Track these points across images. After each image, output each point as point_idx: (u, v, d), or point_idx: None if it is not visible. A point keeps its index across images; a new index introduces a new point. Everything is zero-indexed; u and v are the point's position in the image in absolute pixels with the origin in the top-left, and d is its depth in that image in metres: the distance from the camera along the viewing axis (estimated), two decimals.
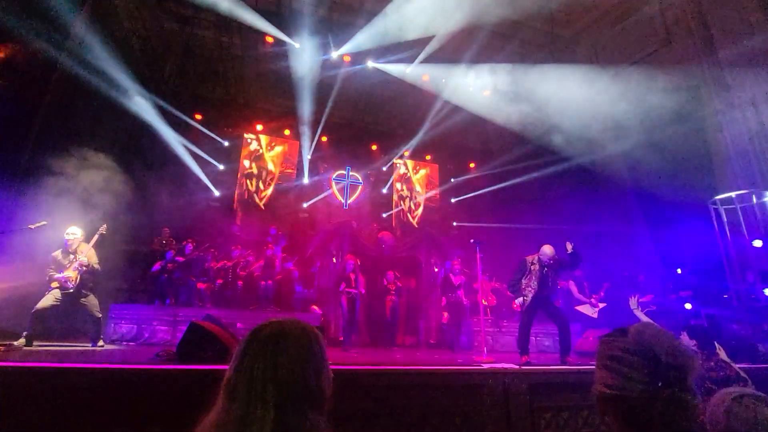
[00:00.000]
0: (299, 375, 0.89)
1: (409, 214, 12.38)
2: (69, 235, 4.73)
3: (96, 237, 5.05)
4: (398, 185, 12.47)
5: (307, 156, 11.28)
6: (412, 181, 12.74)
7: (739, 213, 6.39)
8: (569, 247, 5.00)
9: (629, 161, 8.29)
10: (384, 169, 12.17)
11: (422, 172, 12.94)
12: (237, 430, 0.82)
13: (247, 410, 0.83)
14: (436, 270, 8.71)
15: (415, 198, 12.58)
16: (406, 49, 9.19)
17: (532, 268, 5.03)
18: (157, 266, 7.05)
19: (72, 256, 4.74)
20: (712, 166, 7.07)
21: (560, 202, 9.25)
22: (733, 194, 6.47)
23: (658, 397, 0.86)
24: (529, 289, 4.97)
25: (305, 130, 10.81)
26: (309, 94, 9.93)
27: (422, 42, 9.02)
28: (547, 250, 5.03)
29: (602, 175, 8.67)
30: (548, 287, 5.00)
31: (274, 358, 0.89)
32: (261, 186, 11.21)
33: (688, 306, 6.72)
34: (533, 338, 7.31)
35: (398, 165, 12.51)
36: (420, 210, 12.49)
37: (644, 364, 0.89)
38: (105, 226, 5.20)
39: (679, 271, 7.35)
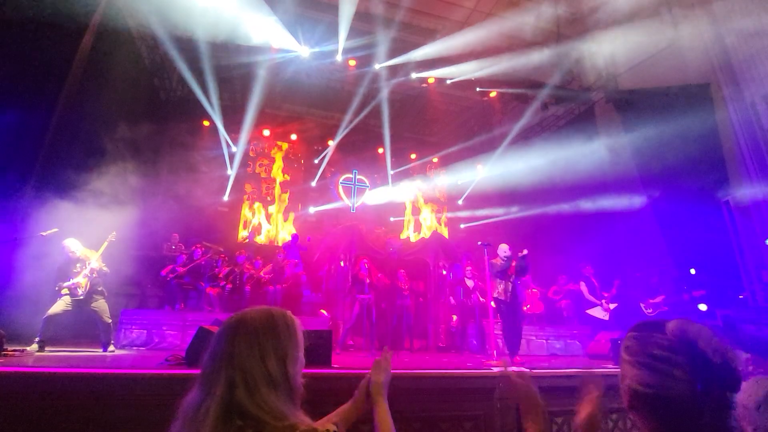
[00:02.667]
0: (255, 357, 0.95)
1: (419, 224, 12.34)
2: (68, 248, 4.78)
3: (105, 244, 5.10)
4: (405, 189, 12.45)
5: (314, 160, 11.33)
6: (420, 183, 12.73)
7: (754, 211, 6.25)
8: (523, 252, 5.40)
9: (640, 159, 8.17)
10: (392, 172, 12.16)
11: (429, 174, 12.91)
12: (196, 406, 0.92)
13: (207, 389, 0.93)
14: (444, 273, 8.65)
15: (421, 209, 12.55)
16: (406, 51, 9.20)
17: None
18: (165, 270, 7.10)
19: (78, 264, 4.80)
20: (725, 163, 6.94)
21: (570, 200, 9.15)
22: (746, 192, 6.34)
23: (709, 398, 0.82)
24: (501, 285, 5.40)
25: (312, 135, 10.86)
26: (316, 100, 9.99)
27: (424, 40, 9.02)
28: (502, 247, 5.50)
29: (613, 174, 8.56)
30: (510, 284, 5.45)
31: (232, 341, 0.97)
32: (268, 190, 11.27)
33: (702, 307, 6.59)
34: (543, 341, 7.23)
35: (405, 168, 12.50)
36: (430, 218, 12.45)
37: (690, 363, 0.85)
38: (114, 233, 5.24)
39: (693, 271, 7.21)
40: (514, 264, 5.46)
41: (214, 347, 0.99)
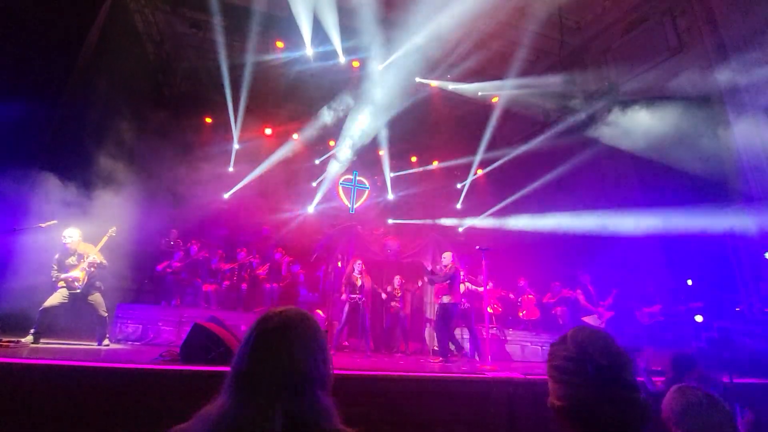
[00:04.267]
0: (308, 361, 0.92)
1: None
2: (66, 239, 4.76)
3: (105, 239, 5.10)
4: (406, 191, 12.45)
5: (315, 161, 11.34)
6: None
7: (752, 223, 6.27)
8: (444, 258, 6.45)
9: (639, 170, 8.20)
10: (391, 175, 12.15)
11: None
12: (245, 419, 0.83)
13: (256, 399, 0.85)
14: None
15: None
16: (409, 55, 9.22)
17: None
18: (161, 266, 7.10)
19: (75, 257, 4.79)
20: (725, 174, 6.96)
21: (570, 206, 9.16)
22: (745, 204, 6.36)
23: (604, 399, 0.85)
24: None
25: (313, 134, 10.87)
26: (317, 99, 10.01)
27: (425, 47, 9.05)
28: (445, 256, 6.43)
29: (613, 182, 8.59)
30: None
31: (282, 350, 0.92)
32: (268, 188, 11.28)
33: (699, 318, 6.59)
34: (539, 348, 7.23)
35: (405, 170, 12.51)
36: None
37: (582, 368, 0.88)
38: (114, 228, 5.25)
39: (690, 282, 7.22)
40: (458, 271, 6.13)
41: (257, 354, 0.91)
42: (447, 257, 6.42)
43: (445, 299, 6.08)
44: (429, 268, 6.76)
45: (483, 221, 11.19)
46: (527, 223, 9.90)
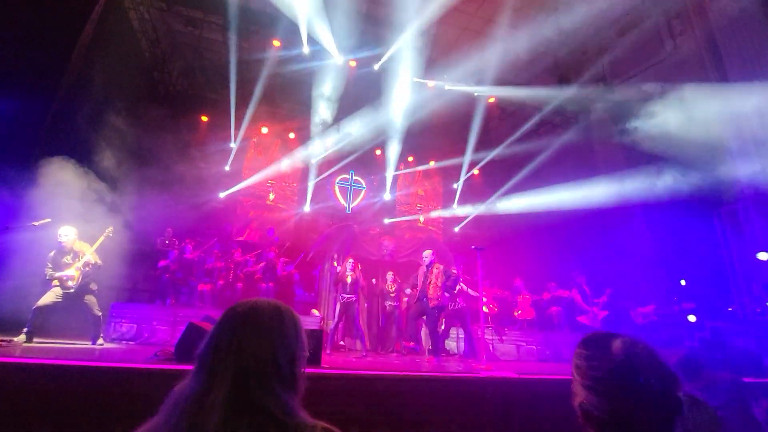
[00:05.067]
0: (267, 351, 0.91)
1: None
2: (63, 237, 4.71)
3: (102, 239, 5.05)
4: (402, 191, 12.46)
5: (312, 161, 11.31)
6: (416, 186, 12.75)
7: (745, 224, 6.33)
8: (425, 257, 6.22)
9: (633, 169, 8.26)
10: (387, 174, 12.16)
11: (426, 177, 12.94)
12: (197, 397, 0.85)
13: (211, 380, 0.86)
14: None
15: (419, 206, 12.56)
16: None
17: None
18: (162, 263, 7.07)
19: (70, 256, 4.75)
20: (718, 176, 7.02)
21: (563, 211, 9.21)
22: (738, 205, 6.42)
23: (654, 417, 0.82)
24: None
25: (310, 134, 10.86)
26: (315, 98, 10.00)
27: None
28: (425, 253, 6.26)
29: (606, 184, 8.64)
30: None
31: (242, 332, 0.92)
32: (264, 187, 11.25)
33: (692, 318, 6.65)
34: (533, 347, 7.26)
35: (402, 170, 12.51)
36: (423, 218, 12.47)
37: (632, 387, 0.85)
38: (111, 228, 5.20)
39: (683, 282, 7.28)
40: (437, 271, 5.94)
41: (220, 335, 0.92)
42: (428, 254, 6.22)
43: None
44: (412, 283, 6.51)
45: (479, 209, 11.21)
46: (523, 205, 9.97)
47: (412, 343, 6.74)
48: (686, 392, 1.32)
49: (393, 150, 11.78)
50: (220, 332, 0.93)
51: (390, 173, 11.98)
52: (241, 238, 9.47)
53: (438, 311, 6.01)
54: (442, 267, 6.16)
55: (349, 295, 6.52)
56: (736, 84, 6.77)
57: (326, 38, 8.95)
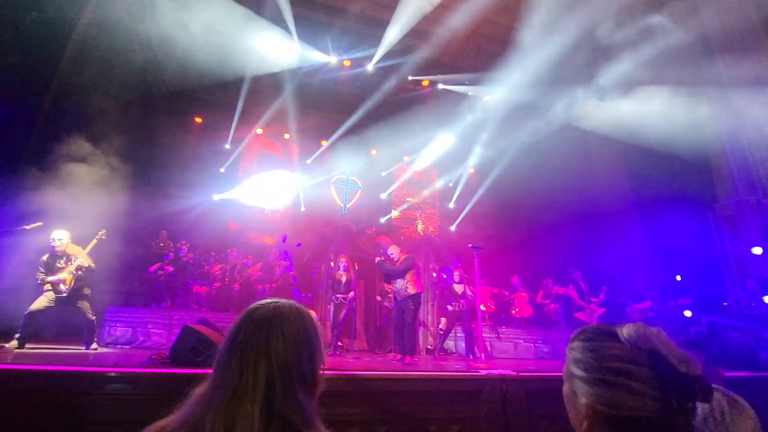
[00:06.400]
0: (293, 355, 0.88)
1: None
2: (56, 241, 4.65)
3: (94, 241, 4.99)
4: (398, 190, 12.44)
5: (306, 160, 11.28)
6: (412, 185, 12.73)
7: (739, 220, 6.38)
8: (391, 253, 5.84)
9: (629, 167, 8.31)
10: (383, 174, 12.14)
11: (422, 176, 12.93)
12: (228, 400, 0.81)
13: (239, 381, 0.83)
14: (434, 275, 8.67)
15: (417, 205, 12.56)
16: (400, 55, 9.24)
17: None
18: (153, 267, 6.99)
19: (63, 260, 4.68)
20: (712, 172, 7.08)
21: (559, 208, 9.25)
22: (732, 201, 6.48)
23: (679, 411, 0.72)
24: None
25: (305, 135, 10.83)
26: (310, 99, 9.97)
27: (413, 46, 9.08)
28: (391, 249, 5.88)
29: (602, 182, 8.69)
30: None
31: (268, 336, 0.88)
32: (260, 189, 11.19)
33: (687, 313, 6.70)
34: (531, 345, 7.28)
35: (398, 169, 12.49)
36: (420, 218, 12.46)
37: (655, 374, 0.74)
38: (104, 231, 5.14)
39: (678, 278, 7.34)
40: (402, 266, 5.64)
41: (246, 338, 0.88)
42: (394, 250, 5.85)
43: (411, 290, 5.53)
44: (379, 260, 5.92)
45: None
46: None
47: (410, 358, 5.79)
48: (723, 390, 1.12)
49: (390, 149, 11.78)
50: (246, 335, 0.89)
51: (385, 173, 11.99)
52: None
53: (407, 302, 5.55)
54: (403, 257, 5.83)
55: (342, 295, 6.47)
56: (730, 84, 6.81)
57: (320, 38, 8.93)
